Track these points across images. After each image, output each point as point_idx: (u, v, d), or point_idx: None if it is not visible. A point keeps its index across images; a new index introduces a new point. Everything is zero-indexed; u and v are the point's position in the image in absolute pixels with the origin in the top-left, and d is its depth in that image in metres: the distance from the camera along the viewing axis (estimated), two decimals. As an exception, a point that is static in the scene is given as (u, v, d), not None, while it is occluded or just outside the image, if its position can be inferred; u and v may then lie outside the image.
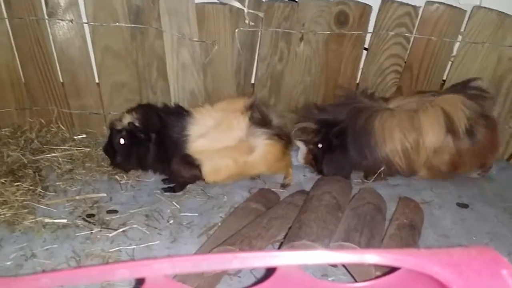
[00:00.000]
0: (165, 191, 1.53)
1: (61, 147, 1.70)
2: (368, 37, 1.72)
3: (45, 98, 1.75)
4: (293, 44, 1.69)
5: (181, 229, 1.36)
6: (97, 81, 1.74)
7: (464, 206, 1.53)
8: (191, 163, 1.48)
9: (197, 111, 1.53)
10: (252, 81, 1.77)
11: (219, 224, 1.36)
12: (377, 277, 0.98)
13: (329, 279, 1.17)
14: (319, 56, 1.72)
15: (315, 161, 1.63)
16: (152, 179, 1.59)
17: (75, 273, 0.63)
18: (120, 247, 1.27)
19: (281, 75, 1.74)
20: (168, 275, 0.63)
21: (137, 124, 1.49)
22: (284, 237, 1.17)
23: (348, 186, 1.42)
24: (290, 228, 1.19)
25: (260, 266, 0.68)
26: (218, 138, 1.49)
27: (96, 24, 1.62)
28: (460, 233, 1.40)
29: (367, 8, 1.66)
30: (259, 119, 1.53)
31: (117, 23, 1.63)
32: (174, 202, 1.47)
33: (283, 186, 1.58)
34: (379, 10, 1.67)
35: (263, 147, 1.50)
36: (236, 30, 1.63)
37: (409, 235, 1.25)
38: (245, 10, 1.58)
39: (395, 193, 1.54)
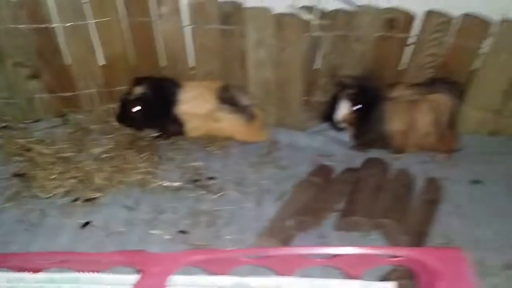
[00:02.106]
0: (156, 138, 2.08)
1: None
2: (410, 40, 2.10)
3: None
4: (350, 43, 2.10)
5: (262, 194, 1.86)
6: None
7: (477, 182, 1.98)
8: (178, 121, 2.02)
9: (187, 84, 2.06)
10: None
11: (290, 192, 1.86)
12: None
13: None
14: (370, 53, 2.12)
15: (356, 122, 2.02)
16: (235, 151, 2.09)
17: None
18: (221, 208, 1.78)
19: (339, 67, 2.16)
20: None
21: (148, 92, 1.97)
22: (341, 210, 1.68)
23: (386, 169, 1.89)
24: (345, 203, 1.69)
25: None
26: (195, 106, 2.02)
27: (194, 26, 2.07)
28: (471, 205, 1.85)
29: (411, 16, 2.04)
30: (227, 98, 2.04)
31: (211, 26, 2.07)
32: (254, 172, 1.97)
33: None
34: (423, 18, 2.04)
35: (225, 119, 2.04)
36: (305, 35, 2.04)
37: (430, 209, 1.73)
38: (313, 21, 1.98)
39: (424, 169, 1.99)
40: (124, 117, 2.02)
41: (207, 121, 2.04)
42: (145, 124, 2.05)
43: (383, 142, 2.00)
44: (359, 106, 1.97)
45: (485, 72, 2.08)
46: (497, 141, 2.19)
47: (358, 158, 2.00)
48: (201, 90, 2.05)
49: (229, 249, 1.52)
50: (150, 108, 1.99)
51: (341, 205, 1.71)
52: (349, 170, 1.90)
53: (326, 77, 2.17)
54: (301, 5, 2.01)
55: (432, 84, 2.03)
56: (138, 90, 1.98)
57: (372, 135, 1.99)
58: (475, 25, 2.00)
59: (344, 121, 2.02)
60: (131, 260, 1.06)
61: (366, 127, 1.99)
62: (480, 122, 2.19)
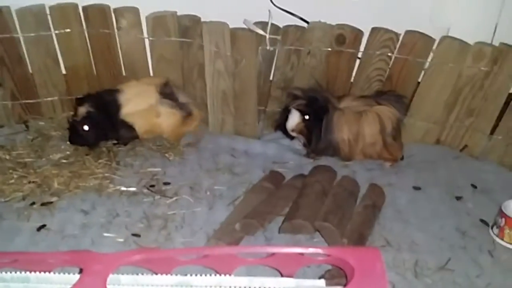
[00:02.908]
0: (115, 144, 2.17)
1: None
2: (359, 54, 2.23)
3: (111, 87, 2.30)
4: (302, 57, 2.21)
5: (215, 199, 1.94)
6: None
7: (418, 188, 2.11)
8: (127, 125, 2.11)
9: (125, 85, 2.13)
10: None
11: (242, 197, 1.95)
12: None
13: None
14: (322, 67, 2.24)
15: (306, 131, 2.12)
16: (192, 157, 2.18)
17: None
18: (175, 211, 1.86)
19: (291, 80, 2.27)
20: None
21: (92, 110, 2.05)
22: (286, 214, 1.78)
23: (333, 175, 2.01)
24: (290, 207, 1.79)
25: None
26: (137, 103, 2.10)
27: (153, 38, 2.16)
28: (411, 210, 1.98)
29: (360, 32, 2.17)
30: (168, 94, 2.14)
31: (170, 38, 2.16)
32: (209, 177, 2.06)
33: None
34: (370, 34, 2.17)
35: (165, 113, 2.13)
36: (260, 48, 2.15)
37: (371, 213, 1.85)
38: (267, 36, 2.10)
39: (370, 176, 2.11)
40: (76, 138, 2.09)
41: (150, 116, 2.12)
42: (98, 139, 2.12)
43: (333, 150, 2.12)
44: (307, 116, 2.08)
45: (427, 85, 2.22)
46: (441, 150, 2.32)
47: (310, 165, 2.11)
48: (141, 87, 2.12)
49: (170, 249, 1.60)
50: (98, 123, 2.07)
51: (287, 209, 1.81)
52: (298, 176, 2.01)
53: (280, 89, 2.28)
54: (254, 20, 2.12)
55: (378, 96, 2.16)
56: (82, 110, 2.05)
57: (321, 143, 2.10)
58: (418, 41, 2.14)
59: (294, 130, 2.13)
60: (74, 259, 1.14)
61: (316, 136, 2.10)
62: (425, 132, 2.33)
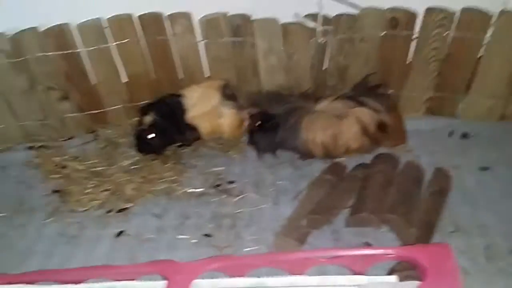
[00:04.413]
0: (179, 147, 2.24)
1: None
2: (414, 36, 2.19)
3: (171, 91, 2.36)
4: (355, 45, 2.19)
5: (279, 194, 1.98)
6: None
7: (486, 168, 2.06)
8: (192, 127, 2.17)
9: (188, 90, 2.19)
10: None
11: (305, 190, 1.97)
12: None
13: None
14: (376, 52, 2.21)
15: (250, 133, 2.16)
16: (253, 154, 2.22)
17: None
18: (241, 209, 1.92)
19: (346, 68, 2.26)
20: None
21: (157, 117, 2.12)
22: (351, 207, 1.80)
23: (396, 163, 1.99)
24: (355, 200, 1.81)
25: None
26: (201, 106, 2.16)
27: (207, 40, 2.21)
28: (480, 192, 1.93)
29: (412, 14, 2.12)
30: (229, 95, 2.18)
31: (223, 39, 2.20)
32: (271, 173, 2.11)
33: None
34: (424, 14, 2.12)
35: (227, 114, 2.17)
36: (311, 40, 2.15)
37: (438, 199, 1.83)
38: (318, 28, 2.09)
39: (433, 159, 2.07)
40: (144, 146, 2.17)
41: (213, 118, 2.18)
42: (165, 144, 2.20)
43: (299, 151, 2.13)
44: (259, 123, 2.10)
45: (488, 61, 2.15)
46: (507, 126, 2.25)
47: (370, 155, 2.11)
48: (203, 90, 2.19)
49: (244, 255, 1.67)
50: (164, 130, 2.14)
51: (351, 201, 1.83)
52: (360, 166, 2.01)
53: (334, 78, 2.28)
54: (305, 13, 2.12)
55: (358, 94, 2.09)
56: (148, 118, 2.14)
57: (276, 145, 2.14)
58: (474, 17, 2.07)
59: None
60: (158, 269, 1.22)
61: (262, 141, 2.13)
62: (489, 109, 2.26)
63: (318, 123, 2.04)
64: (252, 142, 2.17)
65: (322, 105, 2.07)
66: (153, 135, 2.12)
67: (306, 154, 2.11)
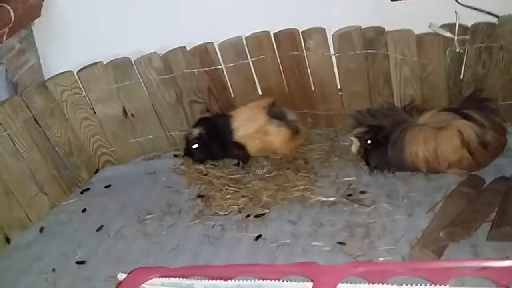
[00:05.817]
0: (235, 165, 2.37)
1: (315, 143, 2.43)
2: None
3: (302, 103, 2.48)
4: (494, 54, 2.12)
5: (413, 206, 1.98)
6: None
7: None
8: (239, 145, 2.28)
9: (235, 112, 2.32)
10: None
11: (441, 203, 1.95)
12: None
13: None
14: (517, 60, 2.13)
15: (365, 155, 2.15)
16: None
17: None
18: (375, 219, 1.94)
19: (483, 77, 2.20)
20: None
21: (203, 132, 2.28)
22: (491, 221, 1.74)
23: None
24: (496, 213, 1.75)
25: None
26: (248, 127, 2.27)
27: (339, 54, 2.28)
28: None
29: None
30: (276, 113, 2.25)
31: (355, 52, 2.25)
32: (404, 184, 2.10)
33: None
34: None
35: (274, 131, 2.23)
36: (448, 50, 2.13)
37: None
38: (455, 37, 2.06)
39: None
40: (187, 152, 2.41)
41: (260, 136, 2.28)
42: (204, 157, 2.39)
43: (405, 166, 2.10)
44: (369, 141, 2.12)
45: None
46: None
47: (510, 167, 2.02)
48: (250, 111, 2.31)
49: (387, 262, 1.68)
50: (206, 144, 2.33)
51: (492, 215, 1.77)
52: (500, 179, 1.94)
53: (471, 88, 2.22)
54: (440, 23, 2.10)
55: (464, 107, 2.04)
56: (196, 131, 2.34)
57: (384, 160, 2.12)
58: None
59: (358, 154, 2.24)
60: (304, 270, 1.30)
61: (374, 157, 2.14)
62: None
63: (420, 137, 2.01)
64: (366, 161, 2.20)
65: (425, 117, 2.05)
66: (196, 145, 2.32)
67: (413, 169, 2.10)
